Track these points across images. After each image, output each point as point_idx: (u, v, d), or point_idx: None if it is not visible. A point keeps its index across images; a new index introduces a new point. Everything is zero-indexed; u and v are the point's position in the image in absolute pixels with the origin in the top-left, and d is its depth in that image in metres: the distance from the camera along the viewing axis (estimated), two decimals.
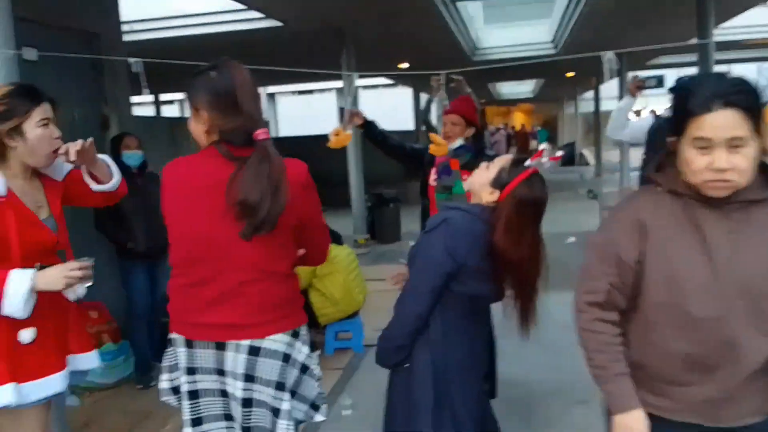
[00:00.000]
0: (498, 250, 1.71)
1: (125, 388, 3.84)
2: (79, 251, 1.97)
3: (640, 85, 3.77)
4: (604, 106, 19.66)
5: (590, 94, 19.50)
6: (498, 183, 1.78)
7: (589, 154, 20.67)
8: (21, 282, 1.72)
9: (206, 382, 1.70)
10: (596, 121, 19.21)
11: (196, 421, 1.72)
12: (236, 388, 1.65)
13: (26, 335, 1.81)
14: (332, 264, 3.98)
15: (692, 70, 9.23)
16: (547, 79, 19.73)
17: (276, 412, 1.67)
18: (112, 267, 3.91)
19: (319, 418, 1.84)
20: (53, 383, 1.87)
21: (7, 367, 1.78)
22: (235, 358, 1.65)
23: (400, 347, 1.82)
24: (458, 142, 3.35)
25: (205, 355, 1.68)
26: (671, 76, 4.29)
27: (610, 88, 18.00)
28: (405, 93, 19.95)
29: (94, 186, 2.06)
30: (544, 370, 3.75)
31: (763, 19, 11.16)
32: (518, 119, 31.76)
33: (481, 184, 1.81)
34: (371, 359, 4.03)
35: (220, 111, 1.63)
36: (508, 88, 24.08)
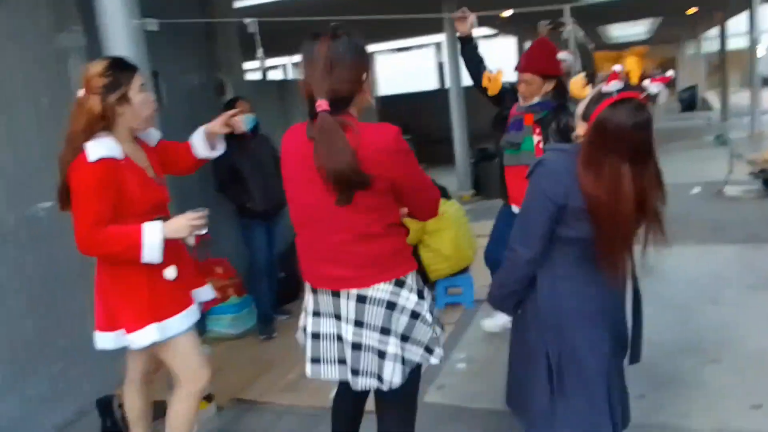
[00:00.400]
0: (579, 185, 1.62)
1: (250, 338, 4.09)
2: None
3: None
4: (731, 44, 17.88)
5: (714, 31, 17.78)
6: (586, 115, 1.68)
7: (713, 98, 18.99)
8: (154, 232, 2.00)
9: (327, 325, 1.86)
10: (722, 60, 17.54)
11: (315, 360, 1.89)
12: (348, 332, 1.80)
13: (170, 273, 2.13)
14: (441, 220, 3.96)
15: None
16: (664, 18, 18.16)
17: (382, 354, 1.78)
18: (233, 226, 4.13)
19: (434, 360, 1.89)
20: (191, 314, 2.20)
21: (148, 310, 2.08)
22: (347, 305, 1.79)
23: (512, 293, 1.83)
24: (535, 100, 3.16)
25: (325, 301, 1.85)
26: None
27: (738, 23, 16.30)
28: (508, 43, 19.17)
29: (206, 153, 2.39)
30: (671, 328, 3.54)
31: None
32: (631, 64, 29.65)
33: (577, 117, 1.73)
34: (482, 315, 4.05)
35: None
36: (620, 31, 22.43)
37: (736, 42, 20.61)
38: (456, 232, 4.06)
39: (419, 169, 1.81)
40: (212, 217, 2.15)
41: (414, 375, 1.90)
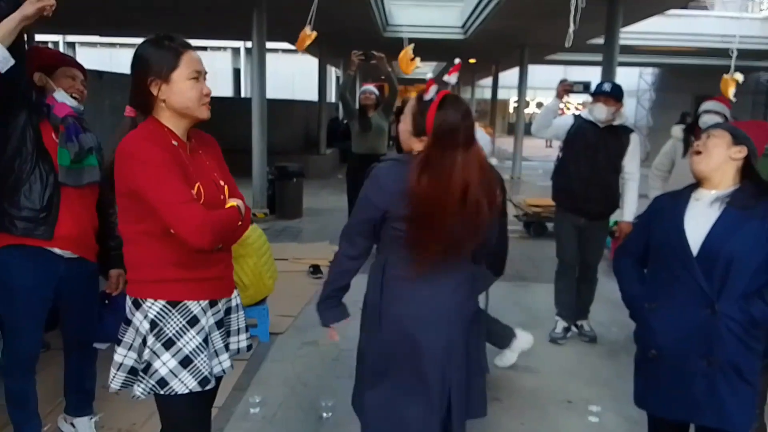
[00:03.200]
0: (408, 188, 1.76)
1: None
2: None
3: (568, 89, 3.90)
4: (501, 94, 20.31)
5: (487, 81, 20.04)
6: (419, 131, 1.82)
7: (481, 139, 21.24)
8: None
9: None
10: (493, 107, 19.78)
11: None
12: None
13: None
14: (243, 246, 3.66)
15: (594, 69, 9.66)
16: (448, 63, 19.99)
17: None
18: None
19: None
20: None
21: None
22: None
23: (336, 289, 1.99)
24: None
25: None
26: (595, 81, 4.45)
27: (509, 76, 18.58)
28: (309, 61, 19.32)
29: None
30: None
31: (660, 28, 11.92)
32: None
33: (406, 140, 1.88)
34: (278, 348, 3.84)
35: None
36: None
37: (504, 93, 23.41)
38: (257, 260, 3.80)
39: (158, 183, 1.60)
40: None
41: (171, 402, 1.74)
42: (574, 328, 4.24)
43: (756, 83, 17.49)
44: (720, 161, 1.95)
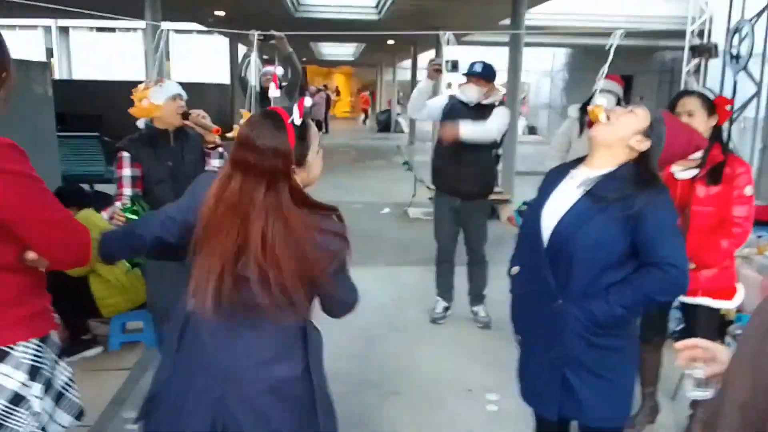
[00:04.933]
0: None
1: None
2: None
3: (437, 68, 3.85)
4: (421, 75, 20.27)
5: (408, 63, 19.95)
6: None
7: (404, 122, 21.27)
8: None
9: None
10: (412, 89, 19.70)
11: None
12: None
13: None
14: None
15: (503, 50, 9.72)
16: (368, 44, 19.75)
17: None
18: None
19: None
20: None
21: None
22: None
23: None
24: None
25: None
26: (466, 60, 4.44)
27: (427, 59, 18.56)
28: (221, 42, 18.63)
29: None
30: (356, 359, 3.58)
31: (569, 8, 12.14)
32: (339, 82, 31.66)
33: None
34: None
35: None
36: (330, 49, 23.74)
37: (421, 75, 23.30)
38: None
39: (36, 200, 1.39)
40: None
41: None
42: (473, 313, 4.20)
43: (662, 62, 18.25)
44: (618, 138, 1.74)
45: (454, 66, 5.48)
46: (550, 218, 1.78)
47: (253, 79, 5.90)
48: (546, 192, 1.86)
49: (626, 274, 1.72)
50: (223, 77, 17.76)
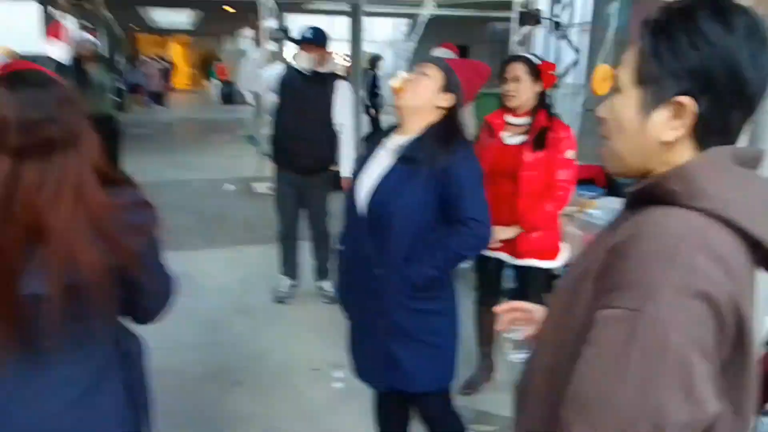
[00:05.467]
0: None
1: None
2: None
3: (274, 37, 3.72)
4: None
5: (250, 32, 19.21)
6: None
7: (248, 94, 20.52)
8: None
9: None
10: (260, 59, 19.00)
11: None
12: None
13: None
14: None
15: (344, 19, 9.59)
16: (206, 12, 18.66)
17: None
18: None
19: None
20: None
21: None
22: None
23: None
24: None
25: None
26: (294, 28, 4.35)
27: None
28: (30, 9, 16.51)
29: None
30: (198, 347, 3.34)
31: None
32: (176, 52, 29.67)
33: None
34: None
35: None
36: (164, 16, 22.08)
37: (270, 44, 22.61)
38: None
39: None
40: None
41: None
42: (318, 288, 4.11)
43: (493, 33, 19.25)
44: (422, 102, 1.75)
45: (285, 32, 5.24)
46: (366, 188, 1.75)
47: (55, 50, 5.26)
48: (362, 163, 1.82)
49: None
50: (36, 47, 15.80)
